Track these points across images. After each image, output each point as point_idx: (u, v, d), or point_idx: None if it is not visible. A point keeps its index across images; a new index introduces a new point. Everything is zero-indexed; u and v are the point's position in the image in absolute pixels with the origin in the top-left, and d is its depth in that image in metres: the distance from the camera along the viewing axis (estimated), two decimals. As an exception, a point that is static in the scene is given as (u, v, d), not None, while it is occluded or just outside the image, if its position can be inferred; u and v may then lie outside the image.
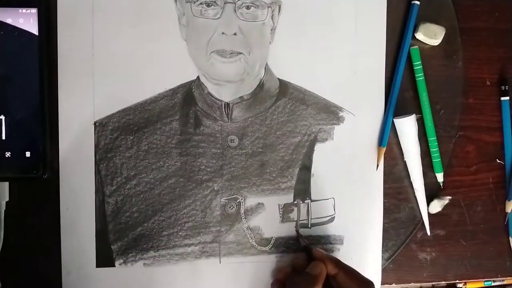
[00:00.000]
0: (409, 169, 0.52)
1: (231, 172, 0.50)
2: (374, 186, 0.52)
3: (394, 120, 0.51)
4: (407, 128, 0.50)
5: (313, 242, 0.51)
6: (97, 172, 0.48)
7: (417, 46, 0.51)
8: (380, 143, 0.51)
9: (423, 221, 0.53)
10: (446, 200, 0.53)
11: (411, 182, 0.52)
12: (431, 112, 0.52)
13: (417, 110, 0.52)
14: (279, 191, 0.50)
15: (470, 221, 0.54)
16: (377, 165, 0.51)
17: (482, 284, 0.56)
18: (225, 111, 0.49)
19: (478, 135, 0.54)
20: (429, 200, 0.53)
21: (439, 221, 0.54)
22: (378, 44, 0.51)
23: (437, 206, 0.52)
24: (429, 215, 0.53)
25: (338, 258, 0.47)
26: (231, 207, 0.50)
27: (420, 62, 0.51)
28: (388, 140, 0.51)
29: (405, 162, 0.52)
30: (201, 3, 0.47)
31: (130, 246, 0.48)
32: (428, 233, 0.53)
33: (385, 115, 0.51)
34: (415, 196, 0.52)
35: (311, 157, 0.51)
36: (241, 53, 0.48)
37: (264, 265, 0.51)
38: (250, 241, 0.50)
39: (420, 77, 0.51)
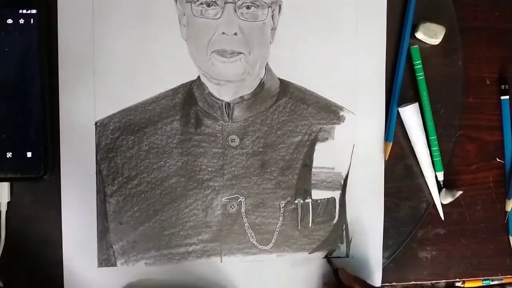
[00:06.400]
0: (417, 156, 0.52)
1: (232, 172, 0.50)
2: (375, 185, 0.52)
3: (399, 109, 0.51)
4: (412, 115, 0.50)
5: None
6: (98, 172, 0.48)
7: (417, 45, 0.51)
8: (386, 138, 0.51)
9: (435, 207, 0.53)
10: (458, 193, 0.53)
11: (411, 181, 0.52)
12: (431, 111, 0.52)
13: (417, 109, 0.52)
14: (280, 190, 0.50)
15: (470, 220, 0.55)
16: (385, 160, 0.52)
17: (480, 283, 0.56)
18: (225, 111, 0.49)
19: (478, 134, 0.54)
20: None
21: (439, 220, 0.54)
22: (378, 43, 0.51)
23: (448, 196, 0.52)
24: (436, 208, 0.53)
25: (339, 256, 0.47)
26: (232, 206, 0.50)
27: (420, 61, 0.51)
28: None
29: (405, 161, 0.52)
30: (201, 3, 0.47)
31: (132, 246, 0.48)
32: (442, 218, 0.53)
33: (389, 111, 0.51)
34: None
35: (312, 157, 0.51)
36: (241, 53, 0.48)
37: (265, 264, 0.51)
38: (251, 240, 0.50)
39: (420, 76, 0.52)
